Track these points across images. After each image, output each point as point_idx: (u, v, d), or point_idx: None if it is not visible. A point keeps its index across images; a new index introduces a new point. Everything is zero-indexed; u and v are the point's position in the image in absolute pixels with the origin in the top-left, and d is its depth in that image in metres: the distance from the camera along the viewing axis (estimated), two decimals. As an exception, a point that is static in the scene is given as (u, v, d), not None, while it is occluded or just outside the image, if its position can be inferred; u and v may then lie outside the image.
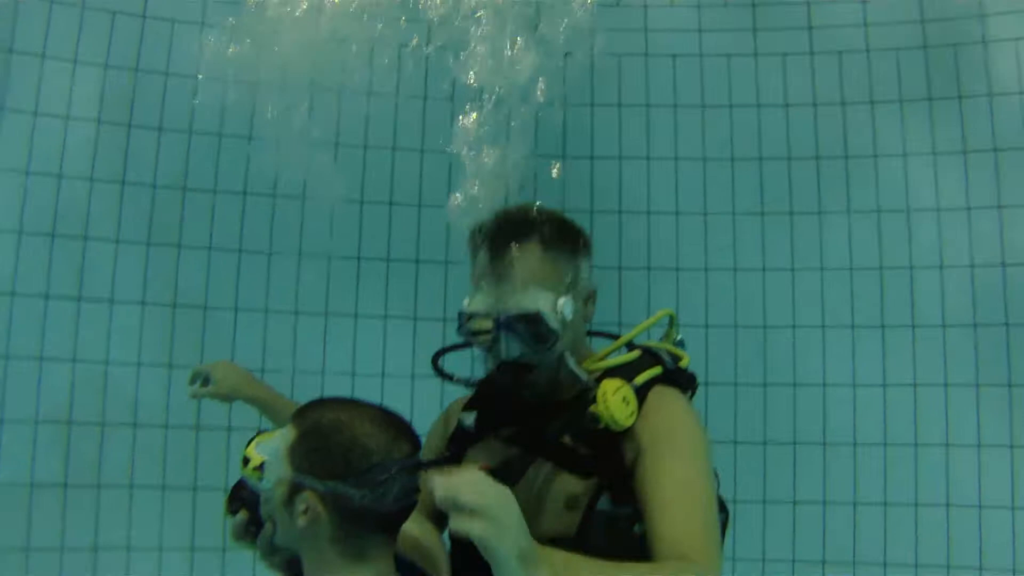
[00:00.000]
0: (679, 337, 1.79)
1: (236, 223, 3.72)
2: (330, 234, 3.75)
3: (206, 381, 2.06)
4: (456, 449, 1.71)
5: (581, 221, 1.68)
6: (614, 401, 1.47)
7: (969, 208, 3.61)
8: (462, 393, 1.79)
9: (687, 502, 1.43)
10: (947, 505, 3.52)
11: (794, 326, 3.72)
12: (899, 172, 3.69)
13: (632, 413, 1.49)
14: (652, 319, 1.75)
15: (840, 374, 3.65)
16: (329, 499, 1.33)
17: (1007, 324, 3.52)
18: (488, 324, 1.55)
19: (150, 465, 3.59)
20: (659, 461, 1.48)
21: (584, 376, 1.57)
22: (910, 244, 3.65)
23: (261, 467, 1.41)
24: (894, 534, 3.54)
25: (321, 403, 1.44)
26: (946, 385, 3.57)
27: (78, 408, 3.53)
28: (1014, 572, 3.36)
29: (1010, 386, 3.50)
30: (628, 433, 1.51)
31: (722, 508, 1.61)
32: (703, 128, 3.86)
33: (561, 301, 1.53)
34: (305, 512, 1.34)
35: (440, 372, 1.72)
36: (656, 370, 1.60)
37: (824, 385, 3.66)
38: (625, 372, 1.56)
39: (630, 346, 1.68)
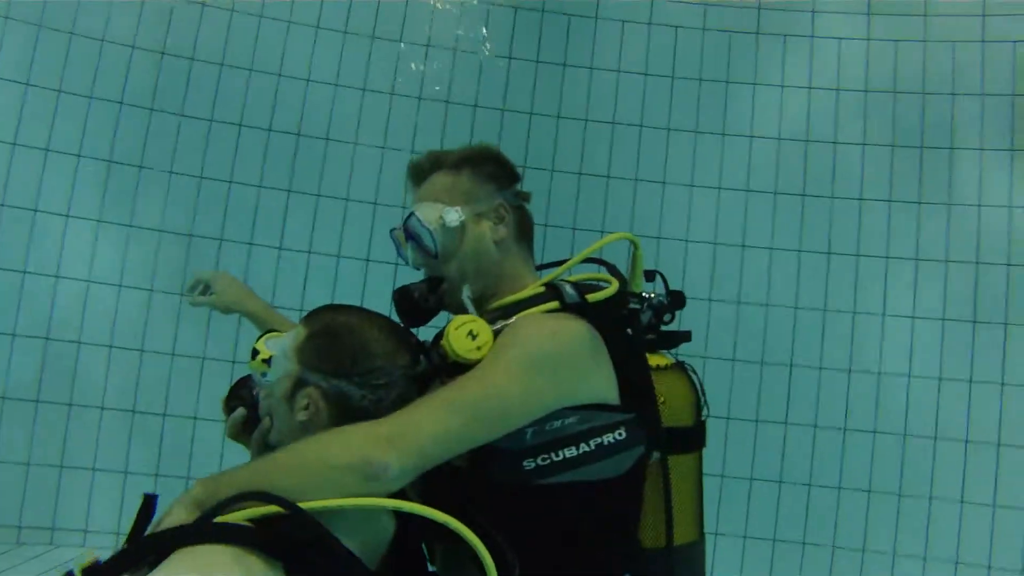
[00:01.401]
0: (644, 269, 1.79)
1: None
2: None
3: (206, 290, 2.04)
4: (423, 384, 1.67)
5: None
6: (456, 335, 1.47)
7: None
8: None
9: (435, 398, 1.40)
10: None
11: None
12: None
13: (479, 347, 1.48)
14: (598, 243, 1.73)
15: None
16: (331, 395, 1.37)
17: None
18: (398, 233, 1.71)
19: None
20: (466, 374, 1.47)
21: (470, 307, 1.61)
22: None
23: (268, 361, 1.45)
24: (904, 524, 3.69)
25: (333, 307, 1.48)
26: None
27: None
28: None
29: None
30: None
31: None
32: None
33: (446, 211, 1.62)
34: (306, 407, 1.38)
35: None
36: (549, 305, 1.57)
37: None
38: (521, 307, 1.57)
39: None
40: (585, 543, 1.51)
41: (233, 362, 3.65)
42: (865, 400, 3.75)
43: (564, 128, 3.93)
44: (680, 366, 1.73)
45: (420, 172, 1.71)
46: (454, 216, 1.62)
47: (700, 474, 1.73)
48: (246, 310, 2.03)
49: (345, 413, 1.37)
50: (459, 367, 1.47)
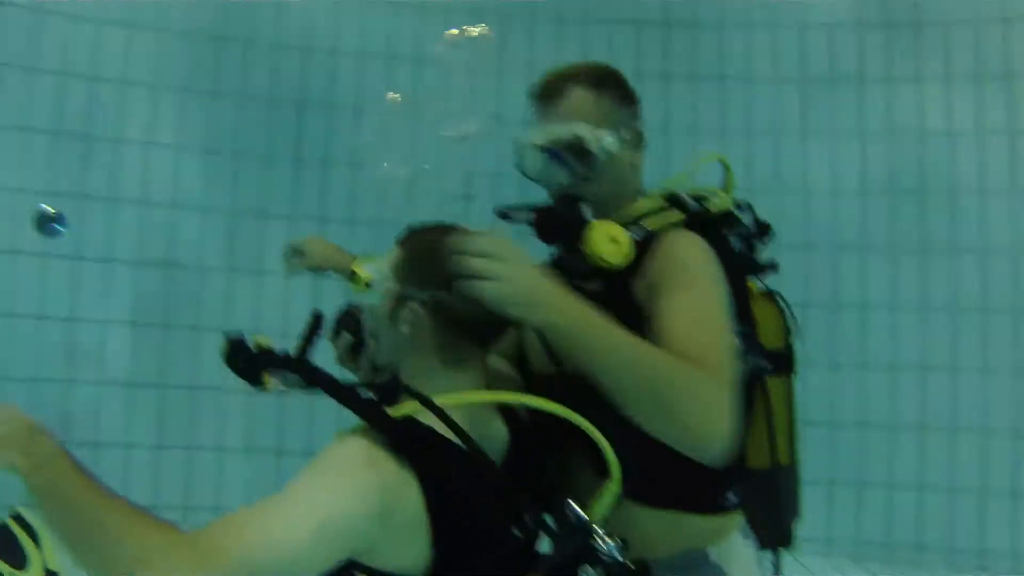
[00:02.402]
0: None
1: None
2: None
3: (299, 254, 2.07)
4: None
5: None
6: (598, 238, 1.53)
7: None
8: None
9: (700, 331, 1.42)
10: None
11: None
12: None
13: (623, 253, 1.53)
14: (693, 165, 1.79)
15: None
16: (432, 307, 1.40)
17: None
18: (536, 150, 1.66)
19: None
20: (671, 296, 1.48)
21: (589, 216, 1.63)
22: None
23: (370, 284, 1.46)
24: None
25: (426, 227, 1.51)
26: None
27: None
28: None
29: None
30: (639, 272, 1.56)
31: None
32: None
33: (604, 134, 1.63)
34: (411, 321, 1.40)
35: (502, 215, 1.74)
36: (675, 215, 1.63)
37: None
38: (650, 218, 1.61)
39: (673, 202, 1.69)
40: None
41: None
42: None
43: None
44: (769, 293, 1.76)
45: (554, 87, 1.68)
46: (611, 140, 1.64)
47: (793, 399, 1.74)
48: (337, 265, 2.05)
49: (448, 323, 1.41)
50: (599, 272, 1.52)
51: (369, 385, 1.38)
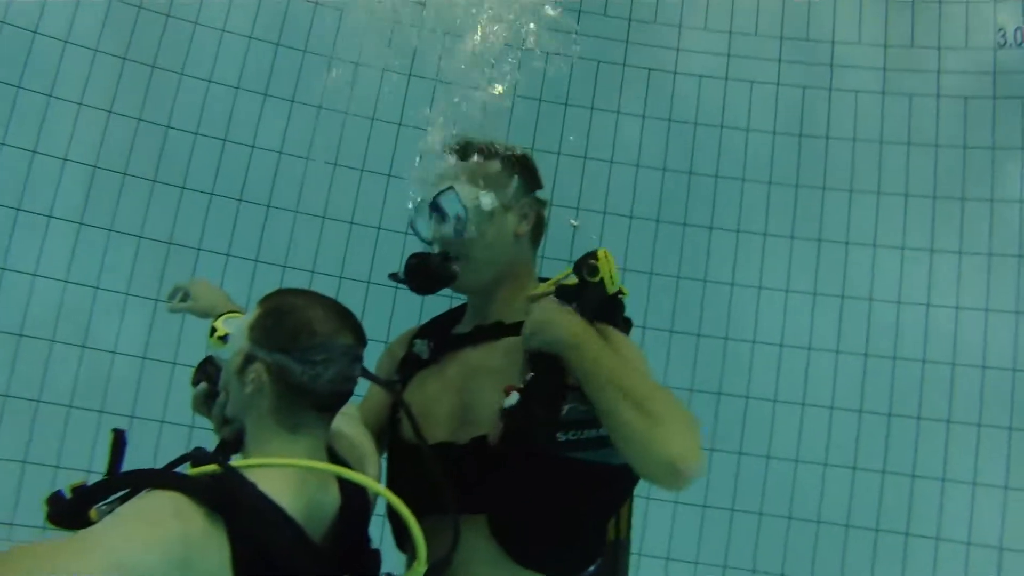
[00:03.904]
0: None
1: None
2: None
3: (185, 297, 2.14)
4: (406, 374, 1.86)
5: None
6: (614, 261, 1.64)
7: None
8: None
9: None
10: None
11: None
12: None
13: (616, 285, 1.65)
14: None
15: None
16: (274, 370, 1.47)
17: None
18: (424, 205, 1.80)
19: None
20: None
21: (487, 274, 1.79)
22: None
23: (225, 338, 1.54)
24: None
25: (285, 290, 1.59)
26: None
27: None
28: None
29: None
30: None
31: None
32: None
33: (483, 194, 1.74)
34: (253, 381, 1.48)
35: (392, 276, 1.86)
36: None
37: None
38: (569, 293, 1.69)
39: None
40: (583, 524, 1.65)
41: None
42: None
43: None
44: None
45: (464, 152, 1.81)
46: (488, 200, 1.74)
47: None
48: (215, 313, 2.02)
49: (286, 388, 1.47)
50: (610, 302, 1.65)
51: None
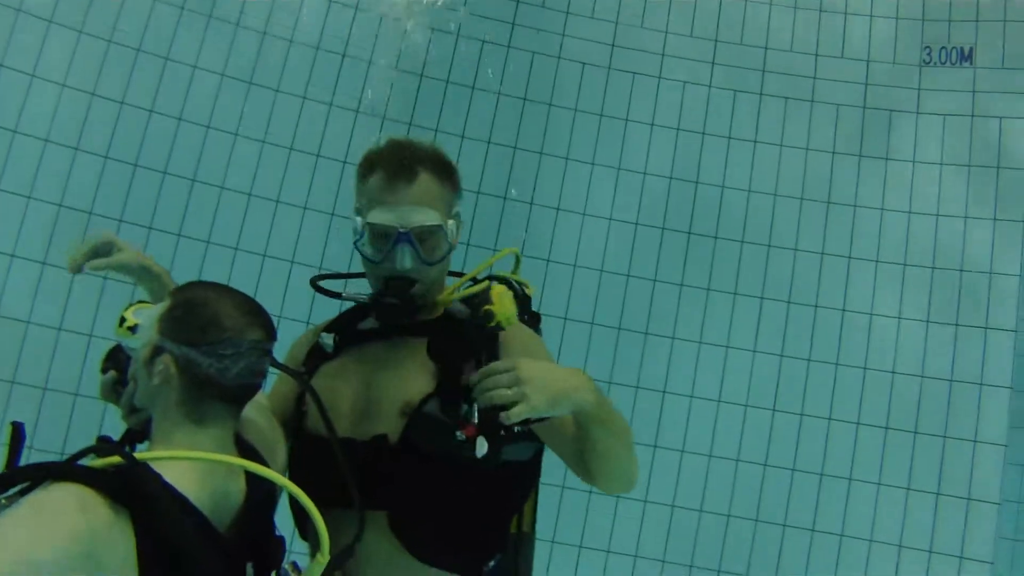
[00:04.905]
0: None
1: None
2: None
3: (108, 251, 1.81)
4: (312, 366, 1.86)
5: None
6: (508, 300, 1.64)
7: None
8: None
9: None
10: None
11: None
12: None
13: (515, 313, 1.67)
14: (497, 255, 1.95)
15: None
16: (182, 362, 1.47)
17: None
18: (389, 235, 1.71)
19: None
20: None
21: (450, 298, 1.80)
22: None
23: (134, 329, 1.55)
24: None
25: (197, 282, 1.59)
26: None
27: None
28: None
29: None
30: (500, 344, 1.69)
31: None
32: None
33: (450, 224, 1.76)
34: (160, 373, 1.48)
35: (322, 290, 1.86)
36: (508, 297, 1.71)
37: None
38: (481, 298, 1.68)
39: (475, 280, 1.85)
40: (484, 522, 1.69)
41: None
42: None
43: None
44: None
45: (407, 168, 1.74)
46: (453, 229, 1.77)
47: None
48: (152, 271, 1.83)
49: (193, 380, 1.48)
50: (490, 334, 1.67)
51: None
